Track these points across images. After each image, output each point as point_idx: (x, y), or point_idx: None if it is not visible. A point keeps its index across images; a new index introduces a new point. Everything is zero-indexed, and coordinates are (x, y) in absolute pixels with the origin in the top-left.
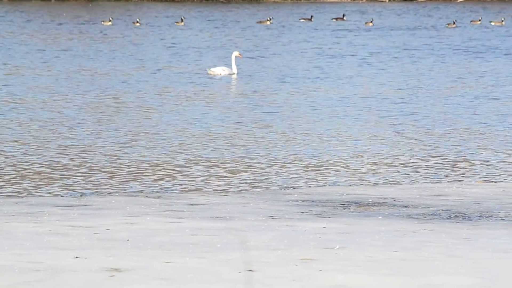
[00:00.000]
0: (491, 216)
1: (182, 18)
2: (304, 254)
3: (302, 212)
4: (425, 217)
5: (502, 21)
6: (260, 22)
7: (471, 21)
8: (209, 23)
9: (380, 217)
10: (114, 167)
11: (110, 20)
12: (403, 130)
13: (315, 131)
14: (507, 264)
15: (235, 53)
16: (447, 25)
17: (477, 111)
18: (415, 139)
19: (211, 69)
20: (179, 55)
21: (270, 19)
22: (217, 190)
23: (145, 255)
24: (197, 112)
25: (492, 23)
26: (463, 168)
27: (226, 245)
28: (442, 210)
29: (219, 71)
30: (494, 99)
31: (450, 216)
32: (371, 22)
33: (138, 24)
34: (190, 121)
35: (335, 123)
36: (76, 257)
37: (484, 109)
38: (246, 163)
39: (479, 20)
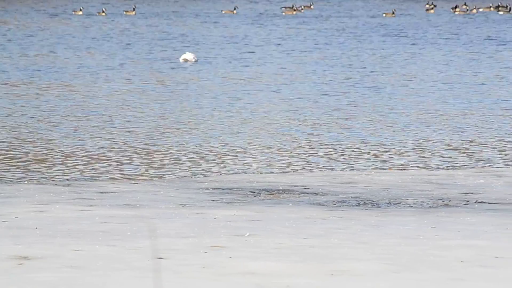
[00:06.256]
0: (400, 203)
1: (134, 6)
2: (214, 242)
3: (213, 200)
4: (335, 204)
5: (393, 13)
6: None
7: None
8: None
9: (290, 205)
10: (23, 154)
11: (81, 10)
12: (315, 117)
13: (226, 119)
14: (414, 250)
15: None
16: (384, 14)
17: (390, 100)
18: (326, 127)
19: (183, 56)
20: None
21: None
22: (127, 178)
23: (54, 243)
24: (120, 100)
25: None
26: (373, 156)
27: (136, 233)
28: (352, 197)
29: (190, 57)
30: (404, 86)
31: (359, 203)
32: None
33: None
34: (110, 109)
35: (248, 110)
36: None
37: (396, 99)
38: (156, 150)
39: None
